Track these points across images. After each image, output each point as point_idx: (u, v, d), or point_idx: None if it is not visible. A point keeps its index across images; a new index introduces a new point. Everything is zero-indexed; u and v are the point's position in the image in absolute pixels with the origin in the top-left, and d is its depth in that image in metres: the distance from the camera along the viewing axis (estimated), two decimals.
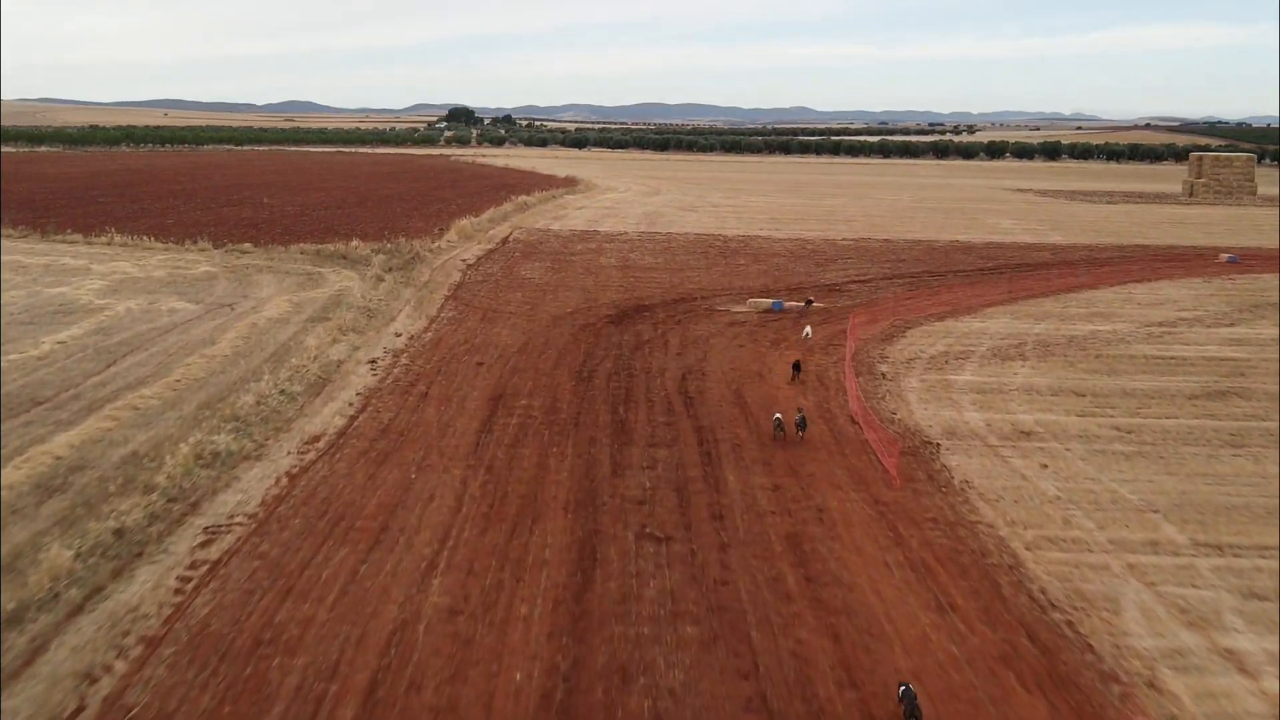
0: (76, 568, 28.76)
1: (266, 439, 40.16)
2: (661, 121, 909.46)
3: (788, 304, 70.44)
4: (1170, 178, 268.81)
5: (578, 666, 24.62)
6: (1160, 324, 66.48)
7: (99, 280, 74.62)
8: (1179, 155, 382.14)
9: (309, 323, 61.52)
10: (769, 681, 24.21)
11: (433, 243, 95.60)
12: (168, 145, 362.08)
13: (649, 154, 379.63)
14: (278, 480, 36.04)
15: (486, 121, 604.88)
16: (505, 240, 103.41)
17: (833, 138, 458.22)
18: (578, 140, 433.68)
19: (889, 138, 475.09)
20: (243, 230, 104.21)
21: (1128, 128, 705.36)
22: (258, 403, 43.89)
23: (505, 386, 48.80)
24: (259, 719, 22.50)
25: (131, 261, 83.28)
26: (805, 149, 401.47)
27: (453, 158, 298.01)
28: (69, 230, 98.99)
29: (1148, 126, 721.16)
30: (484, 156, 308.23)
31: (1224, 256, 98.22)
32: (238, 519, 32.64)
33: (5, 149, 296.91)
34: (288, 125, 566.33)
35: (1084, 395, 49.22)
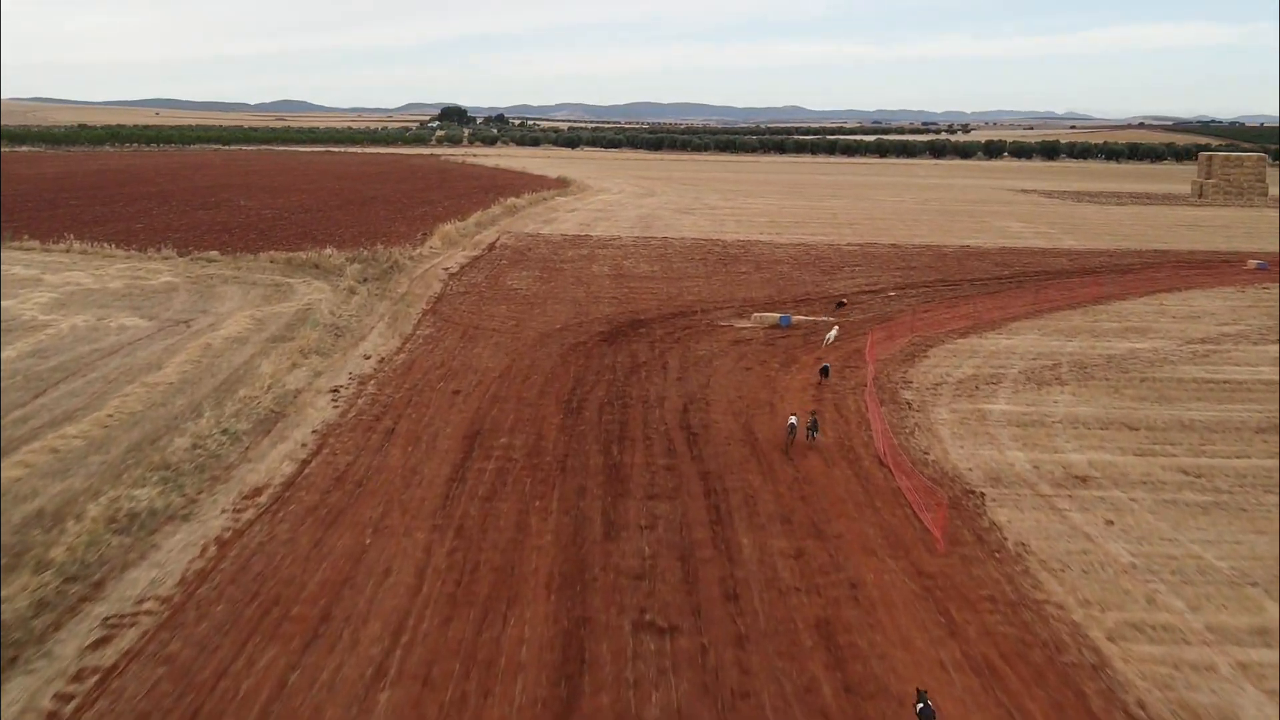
0: None
1: (199, 493, 34.30)
2: (655, 121, 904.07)
3: (796, 318, 64.71)
4: (1173, 178, 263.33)
5: None
6: (1202, 340, 60.83)
7: (48, 293, 68.69)
8: (1179, 155, 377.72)
9: (270, 343, 55.64)
10: None
11: (414, 250, 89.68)
12: (154, 145, 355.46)
13: (643, 153, 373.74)
14: (204, 549, 30.21)
15: (479, 121, 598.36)
16: (492, 246, 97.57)
17: (828, 137, 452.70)
18: (570, 139, 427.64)
19: (885, 137, 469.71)
20: (214, 235, 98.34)
21: (1122, 127, 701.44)
22: (194, 445, 37.95)
23: (483, 420, 43.01)
24: None
25: (88, 271, 77.35)
26: (801, 148, 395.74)
27: (443, 158, 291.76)
28: (26, 236, 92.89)
29: (1141, 126, 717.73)
30: (475, 156, 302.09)
31: (1252, 263, 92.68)
32: (147, 604, 26.83)
33: None
34: (278, 124, 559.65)
35: (1137, 429, 43.51)
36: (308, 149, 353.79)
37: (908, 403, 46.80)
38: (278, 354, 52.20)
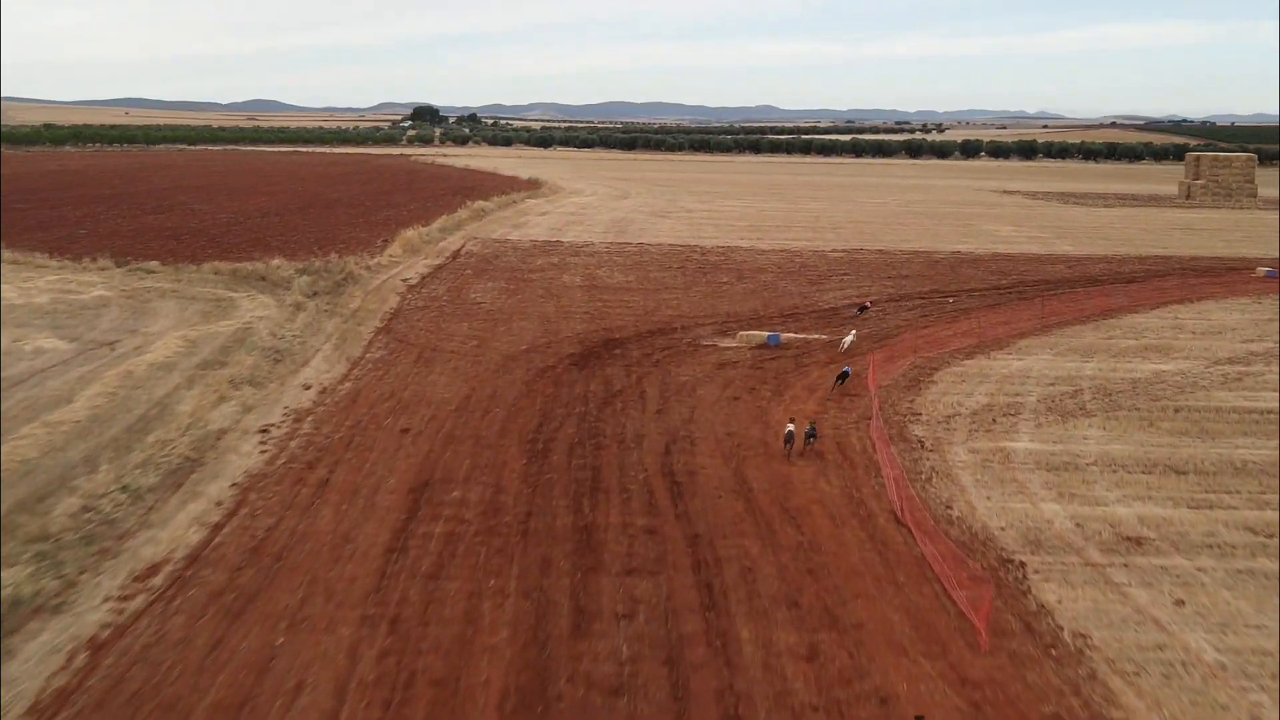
0: None
1: (81, 573, 28.27)
2: (628, 120, 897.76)
3: (785, 336, 59.07)
4: (1154, 178, 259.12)
5: None
6: (1230, 360, 55.45)
7: None
8: (1157, 155, 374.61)
9: (199, 370, 49.60)
10: None
11: (371, 258, 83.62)
12: (118, 145, 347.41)
13: (616, 153, 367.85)
14: (72, 657, 24.30)
15: (452, 120, 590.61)
16: (456, 254, 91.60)
17: (803, 136, 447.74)
18: (543, 139, 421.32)
19: (861, 136, 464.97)
20: (161, 243, 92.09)
21: (1094, 126, 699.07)
22: (85, 508, 31.92)
23: (434, 467, 37.17)
24: None
25: (15, 285, 71.04)
26: (776, 148, 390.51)
27: (412, 158, 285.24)
28: None
29: (1114, 125, 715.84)
30: (445, 156, 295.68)
31: (1262, 270, 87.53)
32: None
33: None
34: (248, 124, 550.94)
35: (1184, 472, 37.98)
36: (276, 149, 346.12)
37: (920, 441, 41.13)
38: (205, 385, 46.20)
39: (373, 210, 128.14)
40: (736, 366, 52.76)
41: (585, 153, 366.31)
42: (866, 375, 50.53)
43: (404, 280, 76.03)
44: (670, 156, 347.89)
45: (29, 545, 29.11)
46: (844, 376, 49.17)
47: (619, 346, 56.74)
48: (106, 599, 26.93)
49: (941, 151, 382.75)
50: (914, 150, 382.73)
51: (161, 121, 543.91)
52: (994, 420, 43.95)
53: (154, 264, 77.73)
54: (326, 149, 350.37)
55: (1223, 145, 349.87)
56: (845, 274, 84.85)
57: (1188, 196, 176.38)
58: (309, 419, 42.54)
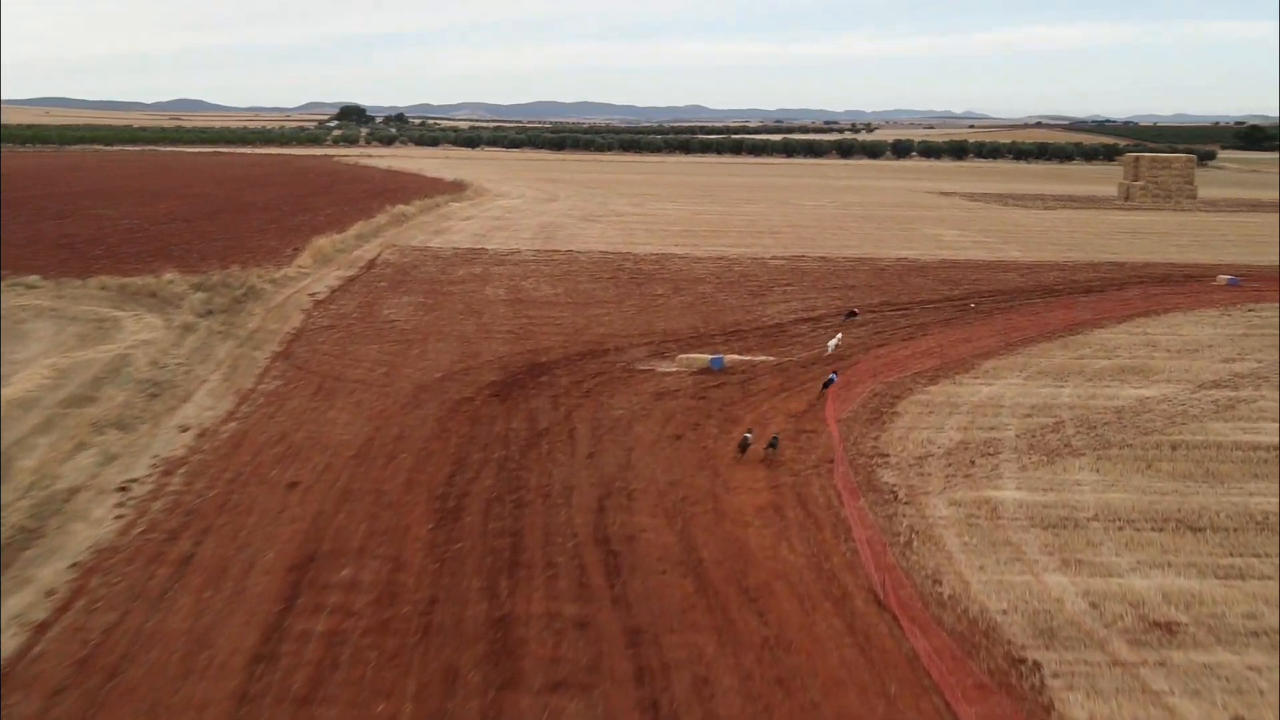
0: None
1: None
2: (557, 120, 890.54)
3: (729, 358, 53.56)
4: (1088, 178, 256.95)
5: None
6: (1216, 384, 50.58)
7: None
8: (1087, 154, 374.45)
9: (63, 408, 43.08)
10: None
11: (278, 270, 77.10)
12: (30, 145, 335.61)
13: (545, 154, 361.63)
14: None
15: (379, 120, 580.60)
16: (372, 264, 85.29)
17: (734, 136, 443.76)
18: (470, 139, 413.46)
19: (792, 136, 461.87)
20: (51, 253, 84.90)
21: (1020, 126, 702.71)
22: None
23: (323, 535, 31.17)
24: None
25: None
26: (706, 148, 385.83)
27: (336, 159, 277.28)
28: None
29: (1039, 125, 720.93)
30: (370, 157, 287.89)
31: (1222, 279, 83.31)
32: None
33: None
34: (170, 124, 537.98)
35: (1200, 529, 32.81)
36: (196, 149, 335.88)
37: (892, 491, 35.64)
38: (64, 428, 39.78)
39: (288, 215, 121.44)
40: (677, 396, 47.10)
41: (513, 153, 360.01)
42: (823, 405, 45.08)
43: (311, 295, 69.66)
44: (600, 157, 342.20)
45: None
46: (829, 383, 47.40)
47: (546, 372, 50.94)
48: None
49: (873, 151, 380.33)
50: (846, 150, 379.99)
51: (82, 121, 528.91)
52: (972, 462, 38.59)
53: (34, 278, 70.58)
54: (250, 150, 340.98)
55: (1151, 145, 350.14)
56: (788, 284, 79.50)
57: (1127, 198, 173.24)
58: (181, 471, 36.30)
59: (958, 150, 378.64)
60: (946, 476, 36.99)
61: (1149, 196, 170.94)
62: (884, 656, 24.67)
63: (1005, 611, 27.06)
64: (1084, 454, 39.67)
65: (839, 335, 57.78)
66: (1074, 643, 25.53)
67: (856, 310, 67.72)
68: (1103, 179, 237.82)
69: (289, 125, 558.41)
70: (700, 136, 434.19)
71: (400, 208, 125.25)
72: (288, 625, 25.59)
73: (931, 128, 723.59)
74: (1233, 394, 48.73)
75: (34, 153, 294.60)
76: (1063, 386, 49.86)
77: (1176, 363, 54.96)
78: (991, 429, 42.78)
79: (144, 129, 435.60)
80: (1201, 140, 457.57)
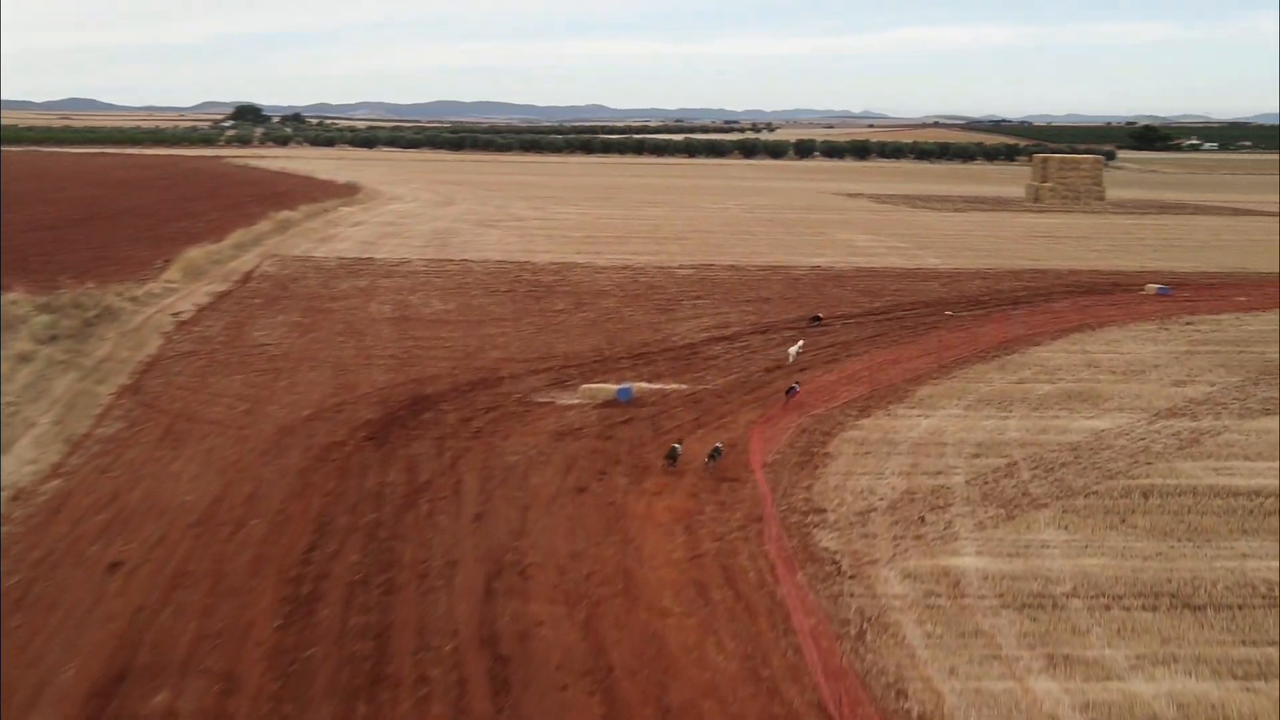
0: None
1: None
2: (457, 119, 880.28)
3: (638, 387, 48.05)
4: (993, 178, 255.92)
5: None
6: (1171, 412, 46.03)
7: None
8: (988, 154, 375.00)
9: None
10: None
11: (141, 286, 70.09)
12: None
13: (443, 154, 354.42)
14: None
15: (275, 120, 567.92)
16: (248, 277, 78.59)
17: (635, 136, 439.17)
18: (368, 139, 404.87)
19: (694, 136, 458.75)
20: None
21: (918, 125, 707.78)
22: None
23: (141, 640, 25.06)
24: None
25: None
26: (608, 148, 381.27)
27: (227, 160, 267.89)
28: None
29: (936, 125, 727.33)
30: (263, 158, 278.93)
31: (1151, 288, 79.47)
32: None
33: None
34: (59, 124, 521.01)
35: (1198, 606, 27.84)
36: (81, 150, 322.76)
37: (834, 560, 30.23)
38: None
39: (165, 222, 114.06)
40: (580, 436, 41.42)
41: (411, 154, 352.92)
42: (748, 446, 39.67)
43: (174, 315, 62.91)
44: (500, 157, 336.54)
45: None
46: (791, 391, 46.08)
47: (431, 407, 45.02)
48: None
49: (775, 151, 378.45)
50: (748, 150, 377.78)
51: None
52: (922, 519, 33.35)
53: None
54: (138, 150, 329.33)
55: (1051, 145, 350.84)
56: (698, 297, 74.15)
57: (1036, 199, 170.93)
58: None
59: (860, 150, 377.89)
60: (895, 539, 31.68)
61: (1058, 198, 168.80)
62: None
63: None
64: (1046, 505, 34.62)
65: (800, 343, 55.73)
66: None
67: (821, 316, 65.39)
68: (1008, 179, 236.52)
69: (183, 125, 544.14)
70: (602, 136, 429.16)
71: (285, 213, 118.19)
72: None
73: (831, 127, 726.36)
74: (1193, 425, 44.09)
75: None
76: (1008, 417, 44.94)
77: (1124, 386, 50.34)
78: (938, 473, 37.61)
79: (30, 129, 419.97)
80: (1097, 140, 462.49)
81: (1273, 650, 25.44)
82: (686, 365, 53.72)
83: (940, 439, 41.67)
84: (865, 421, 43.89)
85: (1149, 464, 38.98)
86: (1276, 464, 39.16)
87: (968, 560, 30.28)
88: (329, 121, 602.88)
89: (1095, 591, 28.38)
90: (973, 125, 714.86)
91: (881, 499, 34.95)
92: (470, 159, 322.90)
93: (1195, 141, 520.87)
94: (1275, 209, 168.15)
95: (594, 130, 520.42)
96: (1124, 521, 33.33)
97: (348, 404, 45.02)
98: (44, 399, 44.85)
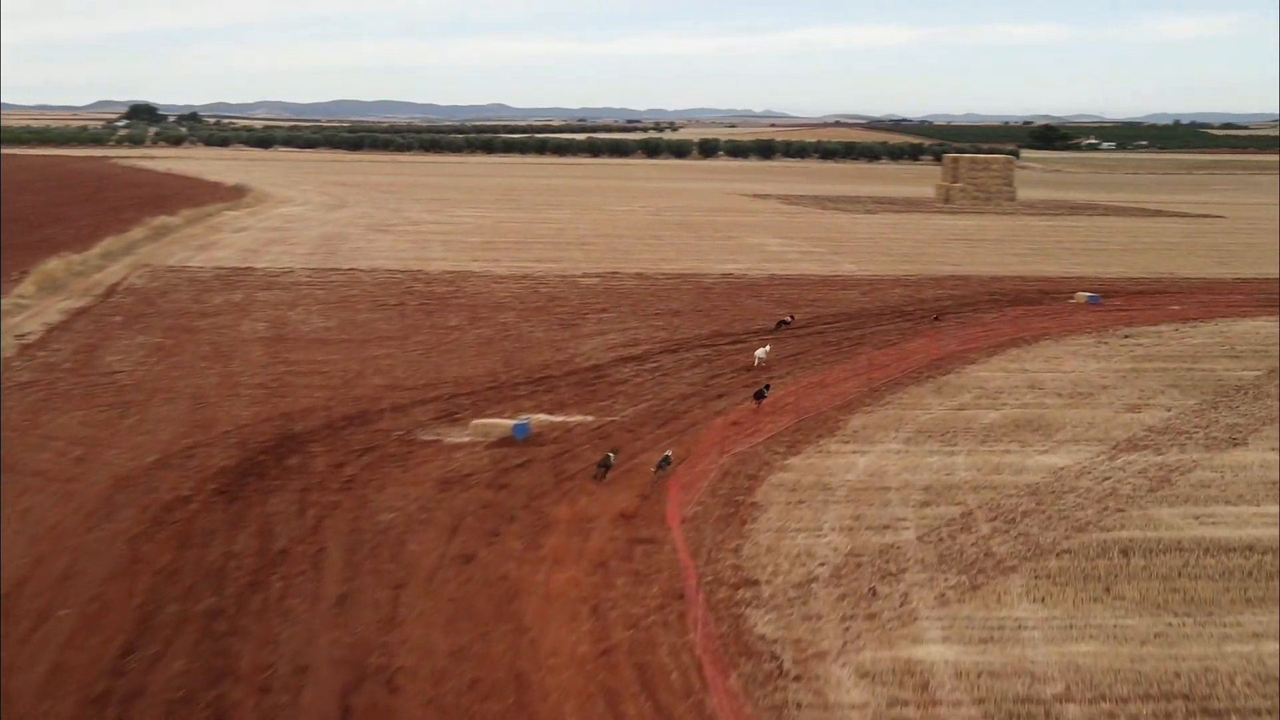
0: None
1: None
2: (357, 119, 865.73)
3: (537, 419, 42.50)
4: (900, 178, 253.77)
5: None
6: (1131, 444, 41.47)
7: None
8: (893, 154, 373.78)
9: None
10: None
11: None
12: None
13: (341, 154, 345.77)
14: None
15: (171, 119, 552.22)
16: (112, 290, 71.72)
17: (538, 135, 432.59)
18: (264, 139, 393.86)
19: (597, 135, 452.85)
20: None
21: (819, 125, 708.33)
22: None
23: None
24: None
25: None
26: (510, 147, 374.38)
27: (114, 161, 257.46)
28: None
29: (837, 124, 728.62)
30: (152, 159, 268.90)
31: (1081, 296, 75.39)
32: None
33: None
34: None
35: (1220, 714, 22.85)
36: None
37: (773, 655, 24.84)
38: None
39: (32, 229, 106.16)
40: (469, 484, 35.75)
41: (308, 154, 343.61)
42: (664, 495, 34.23)
43: (19, 338, 56.05)
44: (399, 157, 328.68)
45: None
46: (761, 395, 44.99)
47: (299, 449, 39.11)
48: None
49: (680, 151, 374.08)
50: (652, 149, 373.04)
51: None
52: (873, 591, 28.14)
53: None
54: (23, 150, 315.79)
55: (955, 145, 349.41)
56: (604, 309, 68.67)
57: (947, 200, 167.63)
58: None
59: (765, 150, 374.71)
60: (843, 620, 26.40)
61: (969, 199, 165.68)
62: None
63: None
64: (1014, 569, 29.56)
65: (767, 346, 54.35)
66: None
67: (790, 318, 63.67)
68: (915, 180, 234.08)
69: (75, 124, 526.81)
70: (503, 136, 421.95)
71: (164, 218, 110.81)
72: None
73: (734, 126, 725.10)
74: (1158, 460, 39.44)
75: None
76: (954, 452, 39.96)
77: (1075, 413, 45.66)
78: (884, 528, 32.43)
79: None
80: (997, 139, 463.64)
81: None
82: (592, 391, 48.20)
83: (882, 482, 36.54)
84: (795, 461, 38.66)
85: (1120, 511, 34.12)
86: (1261, 509, 34.49)
87: (934, 649, 25.08)
88: (226, 121, 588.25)
89: (1093, 693, 23.32)
90: (874, 125, 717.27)
91: (823, 564, 29.65)
92: (368, 159, 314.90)
93: (1094, 141, 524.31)
94: (1185, 210, 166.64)
95: (495, 130, 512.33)
96: (1108, 591, 28.33)
97: (200, 447, 38.89)
98: None
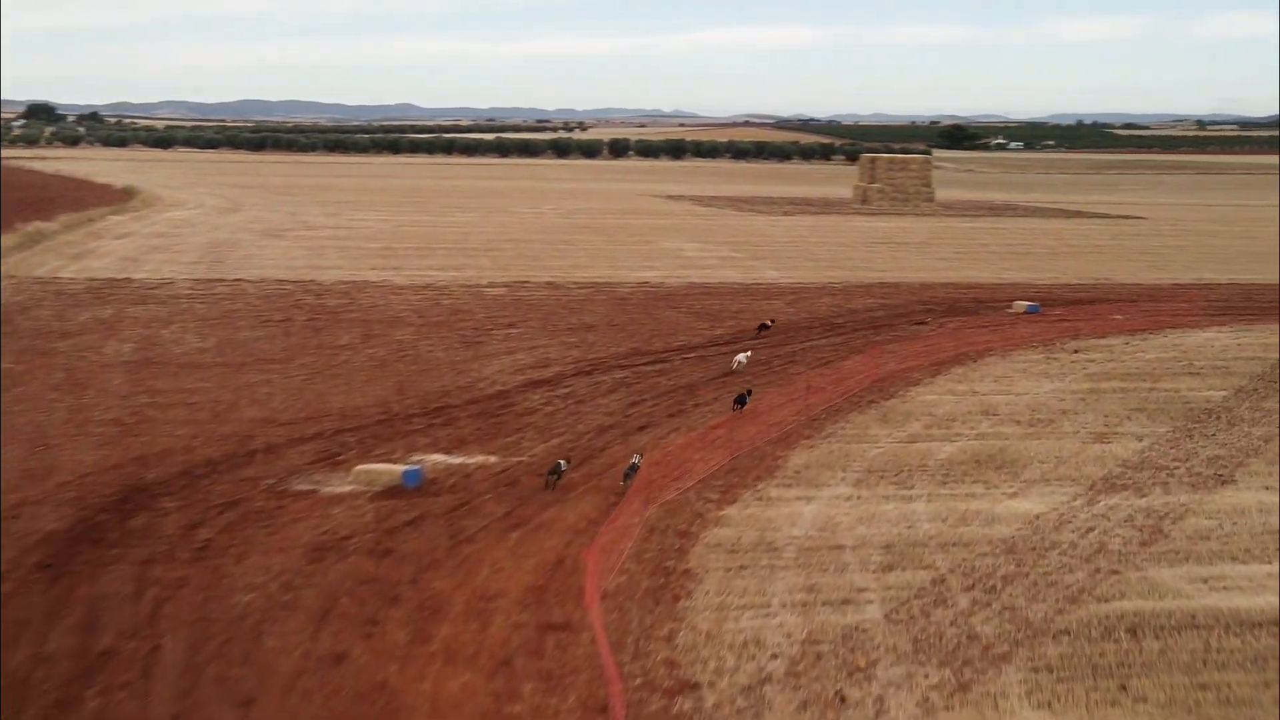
0: None
1: None
2: (263, 119, 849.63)
3: (432, 461, 36.87)
4: (814, 178, 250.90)
5: None
6: (1109, 483, 36.76)
7: None
8: (804, 153, 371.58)
9: None
10: None
11: None
12: None
13: (243, 155, 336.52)
14: None
15: (70, 119, 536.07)
16: None
17: (445, 135, 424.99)
18: (164, 139, 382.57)
19: (505, 135, 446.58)
20: None
21: (729, 124, 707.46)
22: None
23: None
24: None
25: None
26: (416, 148, 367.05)
27: (3, 161, 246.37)
28: None
29: (747, 124, 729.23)
30: (44, 159, 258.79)
31: (1020, 305, 70.97)
32: None
33: None
34: None
35: None
36: None
37: None
38: None
39: None
40: (346, 551, 29.92)
41: (209, 155, 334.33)
42: (579, 565, 28.66)
43: None
44: (303, 158, 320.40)
45: None
46: (743, 401, 43.32)
47: (149, 504, 33.08)
48: None
49: (590, 151, 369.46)
50: (562, 149, 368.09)
51: None
52: (841, 697, 22.78)
53: None
54: None
55: (867, 145, 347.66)
56: (511, 324, 63.03)
57: (864, 201, 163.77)
58: None
59: (676, 149, 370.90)
60: None
61: (887, 199, 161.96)
62: None
63: None
64: (1006, 657, 24.40)
65: (748, 351, 52.94)
66: None
67: (770, 322, 62.29)
68: (829, 180, 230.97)
69: None
70: (410, 136, 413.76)
71: (38, 224, 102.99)
72: None
73: (644, 126, 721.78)
74: (1143, 504, 34.57)
75: None
76: (911, 497, 34.85)
77: (1038, 444, 40.82)
78: (844, 602, 27.13)
79: None
80: (906, 139, 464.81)
81: None
82: (496, 424, 42.55)
83: (834, 538, 31.25)
84: (731, 511, 33.27)
85: (1115, 573, 29.08)
86: (1275, 568, 29.63)
87: None
88: (129, 121, 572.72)
89: None
90: (783, 124, 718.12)
91: (775, 656, 24.27)
92: (270, 160, 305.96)
93: (1002, 141, 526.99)
94: (1104, 210, 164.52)
95: (402, 130, 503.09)
96: (1125, 689, 23.20)
97: (28, 505, 32.68)
98: None
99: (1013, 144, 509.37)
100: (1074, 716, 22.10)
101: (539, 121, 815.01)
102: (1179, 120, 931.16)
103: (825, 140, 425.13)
